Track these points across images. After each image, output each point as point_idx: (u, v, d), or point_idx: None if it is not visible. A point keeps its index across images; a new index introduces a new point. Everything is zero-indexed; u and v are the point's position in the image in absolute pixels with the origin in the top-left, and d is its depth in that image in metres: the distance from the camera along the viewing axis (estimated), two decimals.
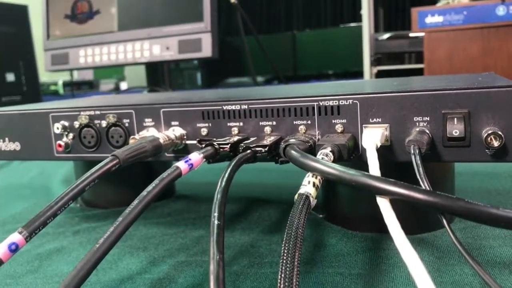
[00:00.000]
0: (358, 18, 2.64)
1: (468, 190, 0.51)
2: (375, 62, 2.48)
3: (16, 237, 0.26)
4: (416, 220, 0.39)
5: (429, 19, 2.05)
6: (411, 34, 2.51)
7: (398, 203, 0.24)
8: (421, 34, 2.13)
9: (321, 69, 3.29)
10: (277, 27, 4.01)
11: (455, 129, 0.31)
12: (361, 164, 0.32)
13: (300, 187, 0.26)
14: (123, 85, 2.90)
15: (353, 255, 0.36)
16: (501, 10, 1.96)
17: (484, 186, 0.53)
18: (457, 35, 2.02)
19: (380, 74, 2.47)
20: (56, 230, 0.48)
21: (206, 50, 0.96)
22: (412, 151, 0.29)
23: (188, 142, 0.40)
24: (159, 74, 1.24)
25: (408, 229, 0.22)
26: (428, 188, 0.26)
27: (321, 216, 0.46)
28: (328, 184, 0.44)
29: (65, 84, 2.64)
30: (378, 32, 2.78)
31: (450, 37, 2.03)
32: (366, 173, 0.25)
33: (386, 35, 2.67)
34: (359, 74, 2.65)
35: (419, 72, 2.31)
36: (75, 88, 2.61)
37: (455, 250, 0.35)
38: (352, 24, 3.33)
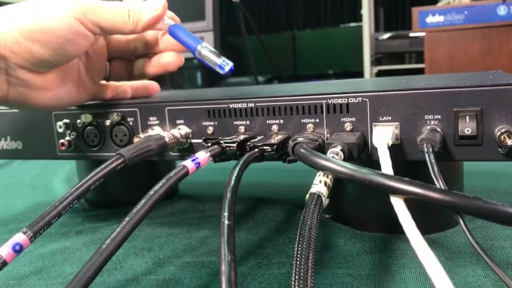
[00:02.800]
0: (359, 18, 2.63)
1: (476, 190, 0.51)
2: (375, 62, 2.47)
3: (20, 237, 0.26)
4: (425, 220, 0.39)
5: (430, 19, 2.05)
6: (412, 34, 2.51)
7: (407, 203, 0.23)
8: (422, 34, 2.13)
9: (321, 69, 3.28)
10: (277, 26, 4.01)
11: (467, 127, 0.31)
12: (369, 163, 0.31)
13: (311, 186, 0.26)
14: None
15: (362, 256, 0.35)
16: (502, 10, 1.96)
17: (492, 186, 0.52)
18: (458, 35, 2.02)
19: (380, 74, 2.47)
20: (59, 230, 0.47)
21: None
22: (426, 150, 0.29)
23: (193, 141, 0.39)
24: None
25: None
26: (444, 187, 0.25)
27: (327, 216, 0.45)
28: (335, 184, 0.43)
29: None
30: (378, 32, 2.78)
31: (450, 37, 2.03)
32: (379, 172, 0.24)
33: (386, 35, 2.67)
34: (359, 74, 2.65)
35: (420, 72, 2.31)
36: None
37: (466, 251, 0.35)
38: (352, 24, 3.33)
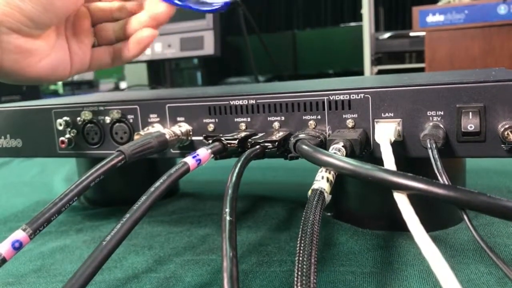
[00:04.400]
0: (359, 17, 2.62)
1: (478, 188, 0.50)
2: (375, 61, 2.47)
3: (19, 234, 0.26)
4: (427, 217, 0.38)
5: (430, 18, 2.04)
6: (412, 33, 2.50)
7: (410, 199, 0.23)
8: (422, 33, 2.13)
9: (322, 68, 3.28)
10: (277, 26, 4.00)
11: (470, 123, 0.31)
12: (371, 160, 0.31)
13: (313, 182, 0.25)
14: (123, 85, 2.89)
15: (364, 253, 0.35)
16: (502, 9, 1.95)
17: (494, 184, 0.52)
18: (458, 34, 2.01)
19: (380, 74, 2.46)
20: (59, 228, 0.47)
21: (209, 47, 0.95)
22: (429, 145, 0.28)
23: (194, 138, 0.39)
24: (160, 72, 1.23)
25: None
26: (447, 183, 0.25)
27: (329, 214, 0.45)
28: (337, 182, 0.43)
29: (65, 84, 2.63)
30: (378, 31, 2.77)
31: (451, 36, 2.03)
32: (383, 167, 0.24)
33: (386, 34, 2.66)
34: (359, 74, 2.64)
35: (420, 71, 2.30)
36: (75, 87, 2.60)
37: (469, 248, 0.34)
38: (353, 24, 3.32)
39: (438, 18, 2.04)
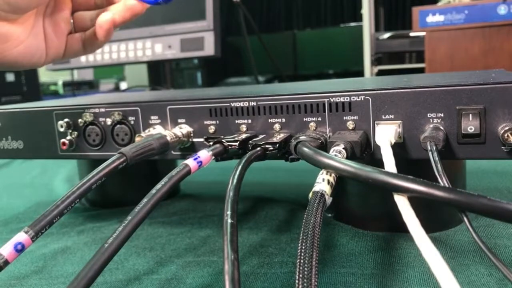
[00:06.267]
0: (359, 18, 2.63)
1: (478, 189, 0.51)
2: (375, 61, 2.47)
3: (22, 236, 0.26)
4: (428, 218, 0.39)
5: (430, 19, 2.04)
6: (412, 34, 2.50)
7: (410, 201, 0.23)
8: (422, 33, 2.13)
9: (322, 68, 3.29)
10: (277, 26, 4.01)
11: (470, 125, 0.31)
12: (372, 162, 0.31)
13: (314, 184, 0.26)
14: (123, 85, 2.90)
15: (365, 255, 0.35)
16: (502, 10, 1.95)
17: (494, 185, 0.52)
18: (458, 34, 2.01)
19: (380, 74, 2.46)
20: (60, 230, 0.47)
21: (209, 48, 0.95)
22: (429, 148, 0.29)
23: (195, 140, 0.39)
24: (160, 73, 1.24)
25: None
26: (447, 185, 0.25)
27: (329, 215, 0.45)
28: (337, 182, 0.43)
29: (65, 84, 2.64)
30: (378, 32, 2.77)
31: (451, 37, 2.03)
32: (383, 170, 0.24)
33: (386, 35, 2.66)
34: (359, 74, 2.64)
35: (420, 71, 2.30)
36: (75, 88, 2.61)
37: (469, 249, 0.35)
38: (353, 24, 3.33)
39: (438, 18, 2.04)
